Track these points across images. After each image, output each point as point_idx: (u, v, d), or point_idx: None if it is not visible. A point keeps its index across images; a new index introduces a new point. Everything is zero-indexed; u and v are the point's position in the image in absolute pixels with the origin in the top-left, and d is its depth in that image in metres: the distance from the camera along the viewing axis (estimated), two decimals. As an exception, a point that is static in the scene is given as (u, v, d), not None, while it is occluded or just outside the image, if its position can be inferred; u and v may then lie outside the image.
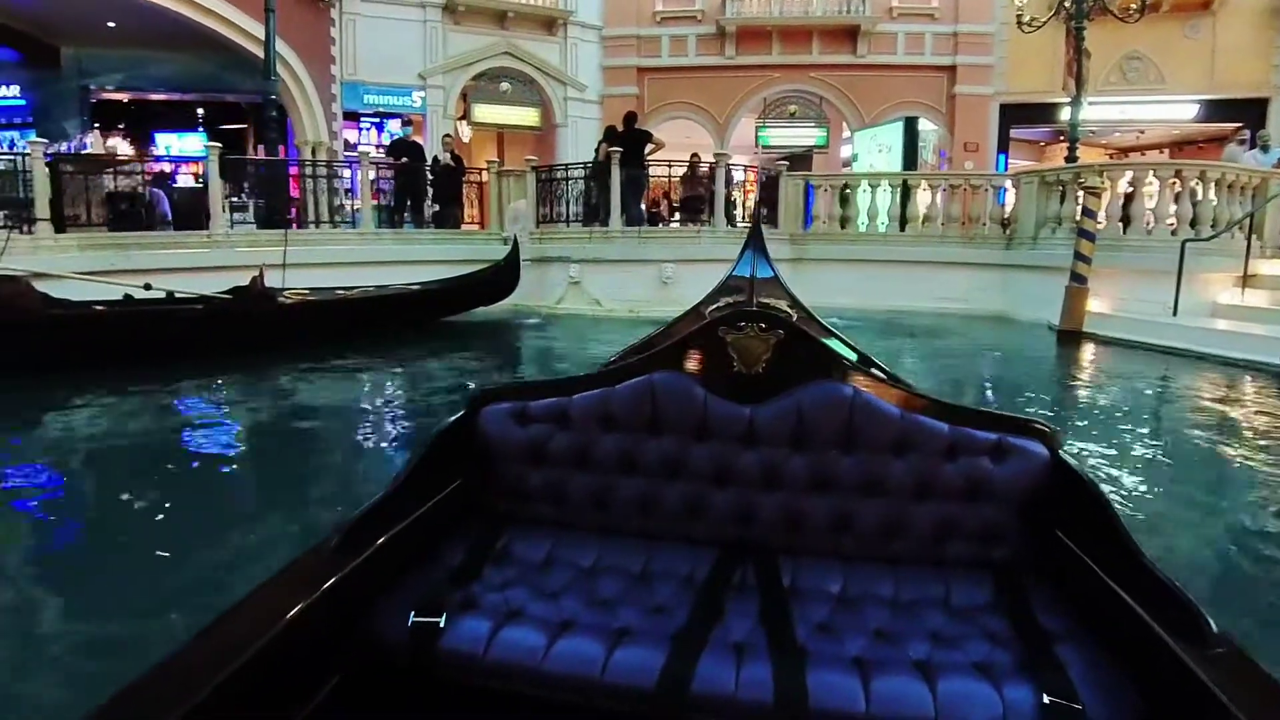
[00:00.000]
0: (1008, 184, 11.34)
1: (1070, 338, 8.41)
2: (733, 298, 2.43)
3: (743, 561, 1.67)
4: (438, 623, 1.39)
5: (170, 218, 9.98)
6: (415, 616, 1.40)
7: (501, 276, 9.36)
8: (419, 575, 1.56)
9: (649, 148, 10.83)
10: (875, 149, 14.17)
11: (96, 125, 14.87)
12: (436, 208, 11.67)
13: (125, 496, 3.67)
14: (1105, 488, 3.58)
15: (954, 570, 1.66)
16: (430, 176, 11.52)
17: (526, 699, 1.37)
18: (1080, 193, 8.90)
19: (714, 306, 2.29)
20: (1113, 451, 4.43)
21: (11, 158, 9.12)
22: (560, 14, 17.15)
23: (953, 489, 1.68)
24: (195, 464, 4.38)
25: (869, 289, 11.17)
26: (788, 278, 11.00)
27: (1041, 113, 16.50)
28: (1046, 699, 1.21)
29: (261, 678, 1.14)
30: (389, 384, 6.80)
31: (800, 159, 17.77)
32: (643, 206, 11.39)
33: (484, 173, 11.96)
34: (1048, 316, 8.90)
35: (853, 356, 2.10)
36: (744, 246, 2.87)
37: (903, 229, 11.51)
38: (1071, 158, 11.06)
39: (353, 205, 10.90)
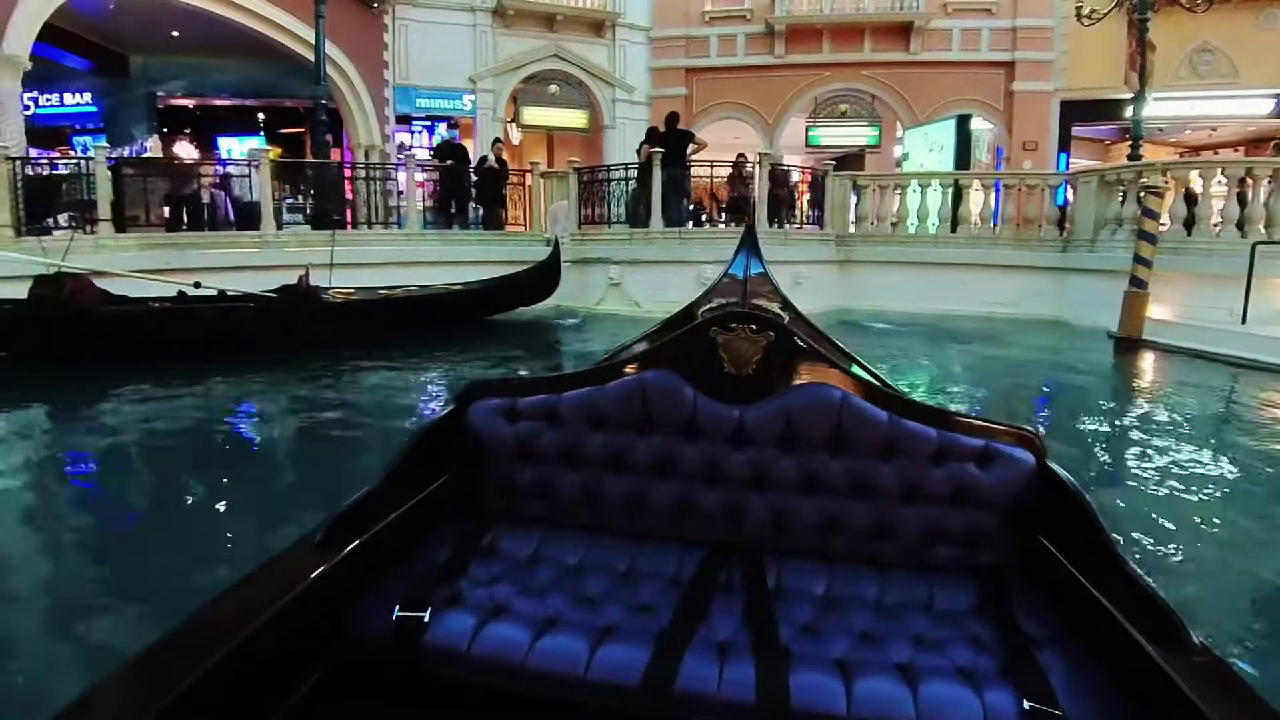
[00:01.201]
0: (1066, 184, 10.92)
1: (1128, 345, 8.01)
2: (725, 299, 2.38)
3: (728, 561, 1.67)
4: (422, 618, 1.39)
5: (232, 218, 10.35)
6: (400, 611, 1.40)
7: (542, 277, 9.40)
8: (405, 570, 1.56)
9: (691, 148, 10.73)
10: (926, 148, 13.79)
11: (165, 129, 15.51)
12: (481, 209, 11.81)
13: (170, 477, 4.05)
14: (1176, 511, 3.40)
15: (938, 574, 1.67)
16: (475, 178, 11.65)
17: (510, 695, 1.37)
18: (1141, 192, 8.49)
19: (706, 307, 2.26)
20: (1181, 471, 4.09)
21: (77, 162, 9.54)
22: (608, 16, 17.20)
23: (939, 494, 1.68)
24: (235, 450, 4.69)
25: (917, 292, 10.92)
26: (832, 280, 10.83)
27: (1105, 110, 15.83)
28: (1027, 704, 1.21)
29: (245, 671, 1.14)
30: (426, 380, 6.89)
31: (852, 159, 17.47)
32: (689, 207, 11.30)
33: (527, 175, 12.03)
34: (1105, 323, 8.51)
35: (844, 360, 2.09)
36: (738, 248, 2.81)
37: (954, 230, 11.20)
38: (1134, 156, 10.57)
39: (399, 207, 11.09)
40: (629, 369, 1.88)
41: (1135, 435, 4.96)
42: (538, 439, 1.86)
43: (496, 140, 12.51)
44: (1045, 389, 6.85)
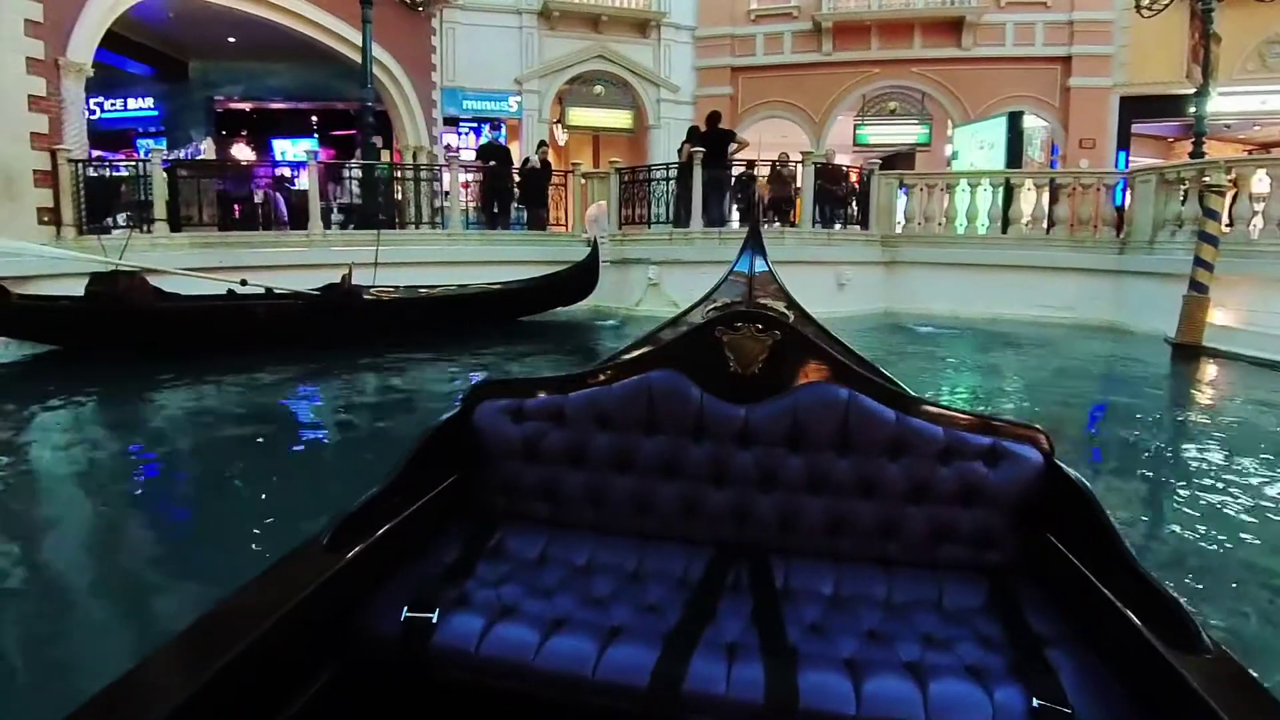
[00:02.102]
0: (1125, 183, 10.50)
1: (1187, 352, 7.65)
2: (730, 298, 2.35)
3: (736, 561, 1.68)
4: (430, 619, 1.40)
5: (286, 218, 10.64)
6: (408, 612, 1.40)
7: (580, 278, 9.42)
8: (412, 571, 1.56)
9: (732, 147, 10.65)
10: (976, 146, 13.43)
11: (223, 132, 16.01)
12: (523, 210, 11.90)
13: (222, 464, 4.30)
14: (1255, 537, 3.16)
15: (947, 573, 1.66)
16: (517, 179, 11.74)
17: (518, 696, 1.37)
18: (1202, 191, 8.12)
19: (711, 306, 2.24)
20: (1250, 494, 3.71)
21: (134, 164, 9.91)
22: (653, 16, 17.17)
23: (947, 492, 1.68)
24: (284, 438, 4.94)
25: (966, 295, 10.64)
26: (878, 281, 10.61)
27: (1168, 106, 15.15)
28: (1036, 702, 1.21)
29: (254, 672, 1.14)
30: (461, 376, 6.96)
31: (902, 158, 17.13)
32: (733, 206, 11.22)
33: (569, 175, 12.07)
34: (1164, 328, 8.15)
35: (850, 359, 2.05)
36: (743, 246, 2.77)
37: (1004, 231, 10.89)
38: (1197, 154, 10.12)
39: (443, 207, 11.24)
40: (635, 369, 1.87)
41: (1202, 454, 4.54)
42: (544, 439, 1.86)
43: (542, 143, 12.59)
44: (1099, 397, 6.55)
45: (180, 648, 1.13)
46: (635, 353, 2.10)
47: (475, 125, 17.07)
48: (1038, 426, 1.71)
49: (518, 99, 16.89)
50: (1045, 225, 10.83)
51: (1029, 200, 10.94)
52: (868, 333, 9.46)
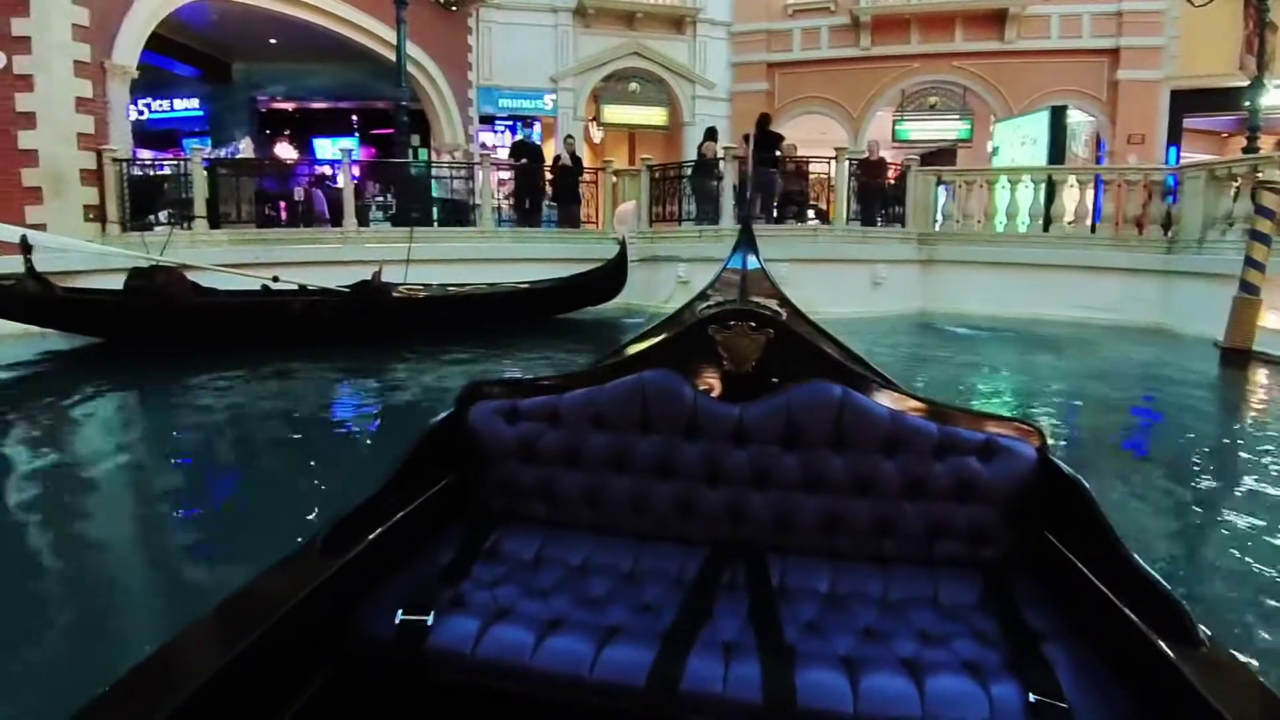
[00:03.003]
0: (1174, 179, 10.13)
1: (1237, 357, 7.32)
2: (723, 296, 2.32)
3: (732, 560, 1.68)
4: (426, 620, 1.39)
5: (328, 216, 10.86)
6: (403, 614, 1.40)
7: (608, 276, 9.42)
8: (408, 573, 1.56)
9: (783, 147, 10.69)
10: (1018, 141, 13.04)
11: (267, 131, 16.36)
12: (555, 207, 11.94)
13: (256, 451, 4.64)
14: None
15: (942, 569, 1.66)
16: (550, 176, 11.78)
17: (515, 697, 1.37)
18: (1255, 188, 7.78)
19: (704, 305, 2.22)
20: None
21: (176, 163, 10.18)
22: (689, 12, 17.10)
23: (942, 488, 1.68)
24: (318, 429, 5.14)
25: (1006, 295, 10.37)
26: (914, 280, 10.39)
27: (1222, 99, 14.50)
28: (1033, 697, 1.21)
29: (249, 675, 1.14)
30: (485, 373, 7.01)
31: (943, 153, 16.79)
32: (776, 205, 11.20)
33: (600, 173, 12.07)
34: (1212, 331, 7.82)
35: (844, 356, 2.05)
36: (735, 244, 2.73)
37: (1046, 229, 10.58)
38: (1251, 149, 9.71)
39: (477, 205, 11.33)
40: (629, 369, 1.87)
41: (1254, 465, 4.25)
42: (539, 440, 1.86)
43: (568, 137, 12.64)
44: (1143, 405, 6.24)
45: (174, 652, 1.12)
46: (629, 352, 2.09)
47: (511, 124, 17.19)
48: (1031, 422, 1.71)
49: (553, 97, 16.97)
50: (1089, 223, 10.50)
51: (1072, 197, 10.61)
52: (901, 334, 9.29)
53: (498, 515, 1.86)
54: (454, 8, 14.73)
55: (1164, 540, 3.28)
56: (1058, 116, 12.00)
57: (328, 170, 12.04)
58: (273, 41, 13.99)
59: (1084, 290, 10.00)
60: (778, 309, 2.07)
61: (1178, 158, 14.38)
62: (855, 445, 1.73)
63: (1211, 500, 3.81)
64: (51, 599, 2.68)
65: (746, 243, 2.63)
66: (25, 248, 6.90)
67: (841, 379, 1.78)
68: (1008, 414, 1.78)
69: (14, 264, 7.05)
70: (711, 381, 1.82)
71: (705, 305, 2.18)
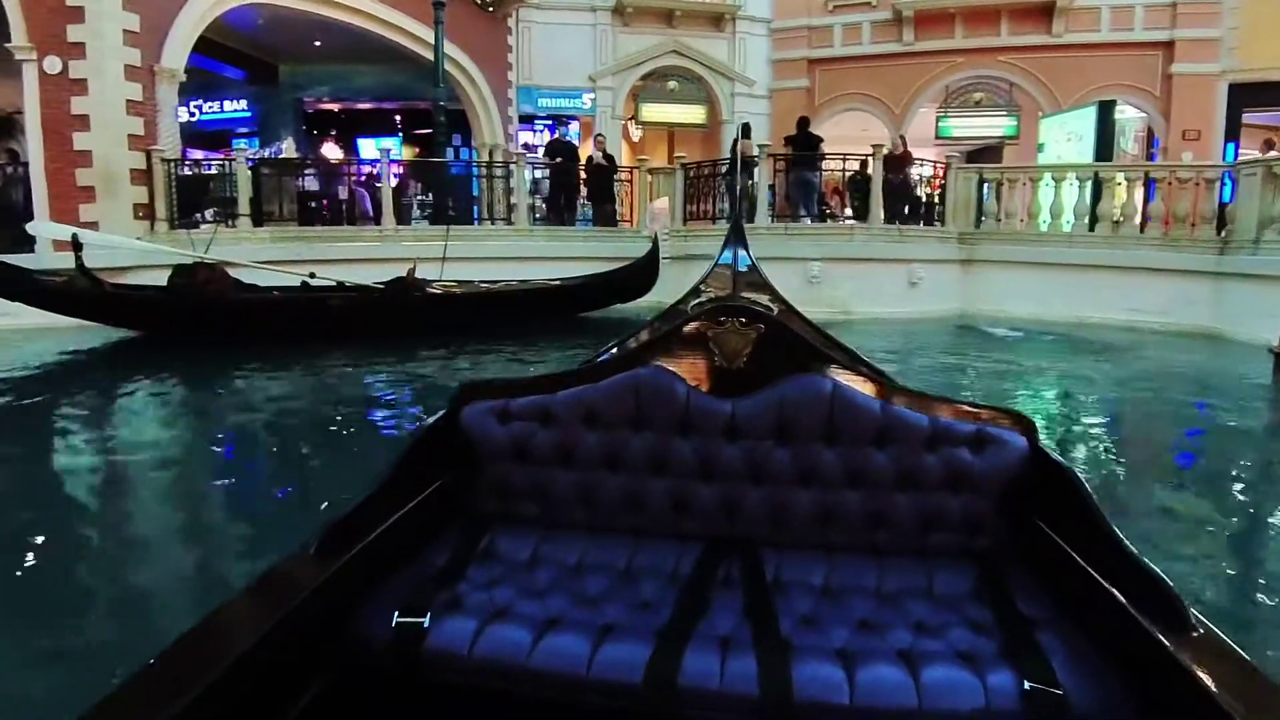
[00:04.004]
0: (1230, 177, 9.73)
1: (1291, 362, 7.02)
2: (714, 293, 2.30)
3: (727, 555, 1.69)
4: (423, 623, 1.39)
5: (371, 214, 11.09)
6: (400, 617, 1.40)
7: (639, 274, 9.41)
8: (403, 576, 1.56)
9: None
10: (1064, 138, 12.68)
11: (314, 131, 16.73)
12: (589, 206, 11.98)
13: (293, 440, 4.83)
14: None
15: (936, 560, 1.68)
16: (584, 175, 11.83)
17: (513, 697, 1.37)
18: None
19: (695, 302, 2.22)
20: None
21: (221, 163, 10.48)
22: (729, 9, 17.00)
23: (934, 479, 1.70)
24: (355, 422, 5.29)
25: (1049, 296, 10.11)
26: (953, 280, 10.17)
27: (1285, 93, 14.02)
28: (1028, 685, 1.22)
29: (245, 686, 1.14)
30: (513, 368, 7.08)
31: (989, 151, 16.39)
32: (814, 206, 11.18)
33: (635, 171, 12.07)
34: (1267, 335, 7.49)
35: (835, 350, 2.05)
36: (725, 241, 2.70)
37: (1092, 228, 10.27)
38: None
39: (513, 203, 11.45)
40: (621, 366, 1.88)
41: None
42: (532, 440, 1.86)
43: (599, 135, 12.65)
44: (1192, 414, 5.91)
45: (166, 665, 1.10)
46: (620, 349, 2.09)
47: (550, 123, 17.29)
48: (1020, 412, 1.72)
49: (591, 96, 17.03)
50: (1138, 222, 10.16)
51: (1119, 195, 10.27)
52: (938, 335, 9.11)
53: (492, 516, 1.86)
54: (490, 9, 14.86)
55: (1215, 546, 3.16)
56: (1105, 112, 11.64)
57: (374, 170, 12.28)
58: (317, 44, 14.27)
59: (1131, 292, 9.68)
60: (769, 304, 2.06)
61: (1236, 154, 13.81)
62: (847, 438, 1.75)
63: (1269, 512, 3.65)
64: (109, 565, 2.94)
65: (737, 239, 2.62)
66: (76, 245, 7.19)
67: (833, 373, 1.79)
68: (995, 404, 1.79)
69: (66, 260, 7.35)
70: (703, 377, 1.82)
71: (696, 302, 2.17)
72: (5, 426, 5.22)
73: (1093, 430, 5.20)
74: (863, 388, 1.79)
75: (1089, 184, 10.31)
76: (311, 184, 11.37)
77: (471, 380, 1.97)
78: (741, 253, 2.55)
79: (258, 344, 7.34)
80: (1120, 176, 10.51)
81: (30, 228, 8.19)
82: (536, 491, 1.86)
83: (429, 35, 13.25)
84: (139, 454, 4.36)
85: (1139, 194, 10.13)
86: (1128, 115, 13.87)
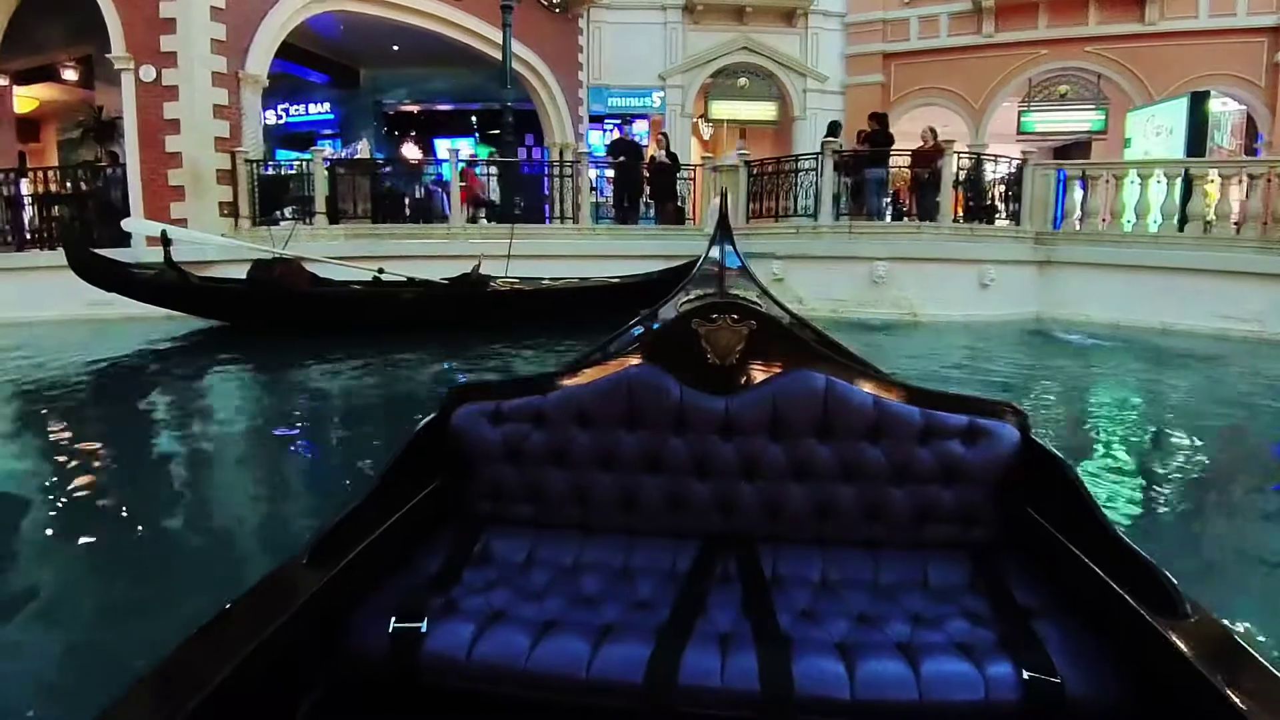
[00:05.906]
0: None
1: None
2: (703, 290, 2.32)
3: (723, 552, 1.69)
4: (419, 628, 1.39)
5: (448, 212, 11.46)
6: (396, 623, 1.40)
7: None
8: (398, 581, 1.55)
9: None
10: (1152, 132, 11.95)
11: (395, 133, 17.34)
12: (653, 204, 12.03)
13: (353, 419, 5.28)
14: None
15: (932, 552, 1.70)
16: (647, 174, 11.88)
17: (512, 700, 1.37)
18: None
19: (685, 299, 2.22)
20: None
21: (300, 163, 11.01)
22: (800, 4, 16.72)
23: (927, 472, 1.72)
24: (415, 410, 5.38)
25: (1131, 301, 9.54)
26: (1028, 282, 9.74)
27: None
28: (1026, 674, 1.24)
29: (242, 696, 1.13)
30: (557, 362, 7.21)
31: (1076, 146, 15.64)
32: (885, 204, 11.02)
33: (698, 169, 12.05)
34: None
35: (827, 345, 2.04)
36: (712, 239, 2.70)
37: (1181, 229, 9.65)
38: None
39: (575, 201, 11.59)
40: (613, 365, 1.88)
41: None
42: (524, 441, 1.85)
43: (662, 133, 12.67)
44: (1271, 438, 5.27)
45: (166, 675, 1.08)
46: (612, 348, 2.09)
47: (620, 122, 17.40)
48: (1011, 403, 1.74)
49: (661, 94, 17.05)
50: (1233, 223, 9.52)
51: (1211, 194, 9.65)
52: (1009, 341, 8.73)
53: (486, 518, 1.86)
54: (558, 9, 15.08)
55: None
56: (1197, 104, 10.91)
57: (445, 170, 12.63)
58: (395, 48, 14.77)
59: (1223, 298, 9.03)
60: (756, 300, 2.06)
61: (1350, 149, 12.80)
62: (841, 433, 1.76)
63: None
64: (196, 520, 3.37)
65: (724, 237, 2.62)
66: (165, 241, 7.69)
67: (825, 368, 1.80)
68: (987, 396, 1.81)
69: (157, 255, 7.87)
70: (696, 375, 1.82)
71: (686, 299, 2.17)
72: (111, 400, 5.92)
73: (1181, 451, 4.71)
74: (855, 383, 1.79)
75: (1178, 181, 9.71)
76: (392, 184, 11.81)
77: (463, 382, 1.99)
78: (729, 250, 2.54)
79: (333, 334, 7.72)
80: (1213, 173, 9.87)
81: (125, 224, 8.84)
82: (530, 493, 1.86)
83: (500, 38, 13.59)
84: (234, 425, 4.97)
85: (1234, 192, 9.47)
86: (1225, 108, 12.97)
